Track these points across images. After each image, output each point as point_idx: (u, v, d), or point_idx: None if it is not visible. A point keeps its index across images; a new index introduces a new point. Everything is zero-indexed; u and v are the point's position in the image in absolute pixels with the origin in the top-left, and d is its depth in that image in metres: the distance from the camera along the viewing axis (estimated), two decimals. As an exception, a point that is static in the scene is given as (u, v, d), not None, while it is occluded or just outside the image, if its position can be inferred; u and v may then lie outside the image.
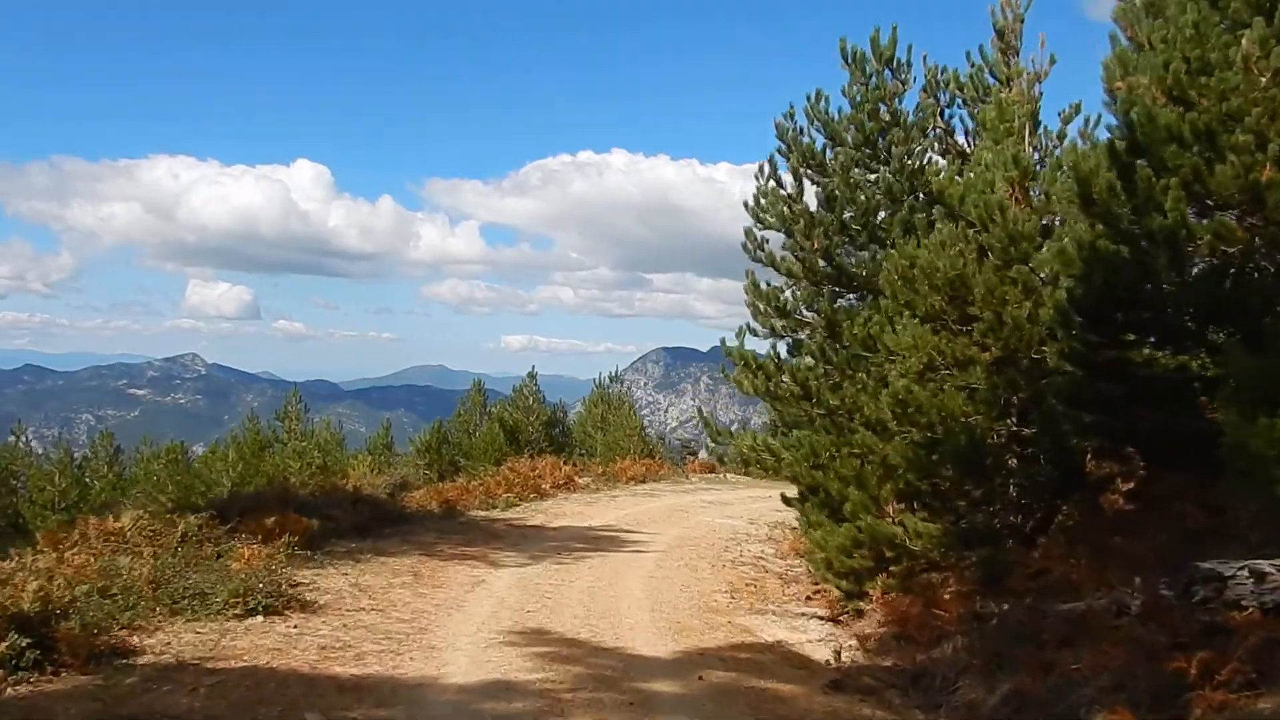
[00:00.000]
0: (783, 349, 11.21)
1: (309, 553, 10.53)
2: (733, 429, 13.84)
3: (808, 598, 10.81)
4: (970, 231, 8.49)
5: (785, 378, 9.90)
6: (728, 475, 27.24)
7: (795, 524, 18.19)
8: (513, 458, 23.05)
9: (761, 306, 10.39)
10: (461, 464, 29.98)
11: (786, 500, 11.36)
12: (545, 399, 31.91)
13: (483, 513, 16.49)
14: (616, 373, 33.26)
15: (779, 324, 10.58)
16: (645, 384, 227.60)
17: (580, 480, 22.19)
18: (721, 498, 21.79)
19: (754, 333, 11.05)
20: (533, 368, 31.73)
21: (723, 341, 11.20)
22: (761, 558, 13.85)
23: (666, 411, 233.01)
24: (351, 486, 15.13)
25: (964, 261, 8.30)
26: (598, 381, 32.67)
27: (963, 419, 8.26)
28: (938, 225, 8.63)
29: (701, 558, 13.27)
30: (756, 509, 20.13)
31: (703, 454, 28.41)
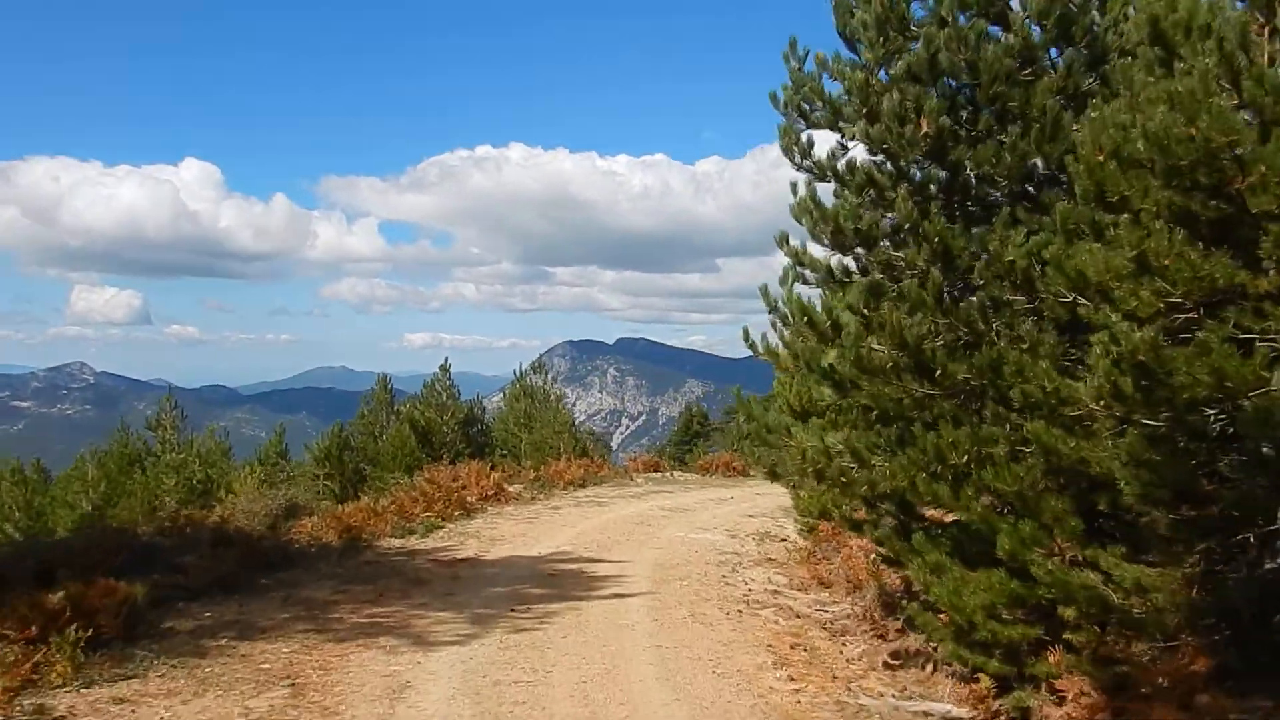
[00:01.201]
0: (830, 305, 7.53)
1: (122, 646, 6.50)
2: (768, 425, 10.20)
3: (922, 676, 7.15)
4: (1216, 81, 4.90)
5: (875, 340, 6.23)
6: (675, 474, 23.62)
7: (791, 534, 14.74)
8: (428, 465, 18.99)
9: (826, 233, 6.69)
10: (367, 473, 25.74)
11: (856, 526, 7.70)
12: (460, 395, 27.83)
13: (397, 542, 12.50)
14: (522, 370, 29.23)
15: (856, 259, 6.91)
16: (553, 378, 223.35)
17: (511, 489, 18.29)
18: (679, 502, 18.14)
19: (803, 279, 7.39)
20: (446, 359, 27.68)
21: (763, 290, 7.51)
22: (778, 592, 10.22)
23: (574, 405, 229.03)
24: (218, 519, 10.98)
25: (1231, 125, 4.70)
26: (518, 373, 28.68)
27: (1252, 393, 4.70)
28: (1174, 71, 5.03)
29: (703, 599, 9.57)
30: (727, 516, 16.53)
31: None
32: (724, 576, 10.90)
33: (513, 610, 8.46)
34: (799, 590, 10.39)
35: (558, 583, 9.95)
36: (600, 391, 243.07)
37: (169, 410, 26.72)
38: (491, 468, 19.61)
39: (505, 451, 28.46)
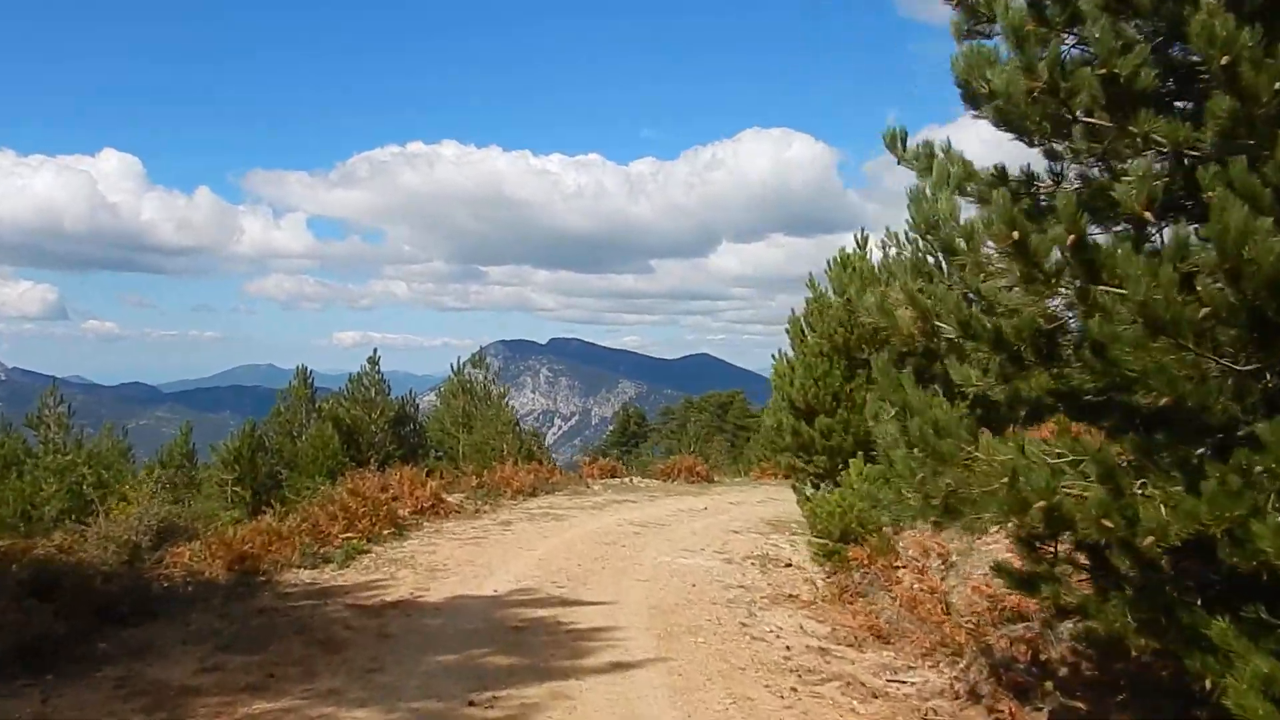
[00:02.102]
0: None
1: None
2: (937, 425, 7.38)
3: None
4: None
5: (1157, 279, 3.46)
6: (635, 479, 20.81)
7: (795, 557, 12.06)
8: (353, 471, 15.86)
9: (1018, 97, 3.90)
10: (284, 478, 22.44)
11: (1031, 586, 4.92)
12: (390, 391, 24.64)
13: (308, 575, 9.49)
14: (460, 364, 25.94)
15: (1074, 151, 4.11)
16: (485, 378, 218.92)
17: (451, 499, 15.30)
18: (649, 515, 15.33)
19: (961, 189, 4.61)
20: (375, 351, 24.42)
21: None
22: (824, 650, 7.45)
23: (507, 405, 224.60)
24: (51, 549, 7.83)
25: None
26: (455, 367, 25.56)
27: None
28: None
29: (734, 666, 6.76)
30: (708, 532, 13.77)
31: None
32: (743, 624, 8.11)
33: (471, 703, 5.53)
34: (849, 645, 7.64)
35: (528, 643, 7.04)
36: (533, 391, 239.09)
37: (53, 405, 23.05)
38: (428, 474, 16.60)
39: (441, 454, 25.34)
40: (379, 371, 24.30)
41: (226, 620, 7.32)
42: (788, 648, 7.40)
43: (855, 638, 7.78)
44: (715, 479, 22.09)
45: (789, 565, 11.45)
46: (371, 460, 23.45)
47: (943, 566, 8.66)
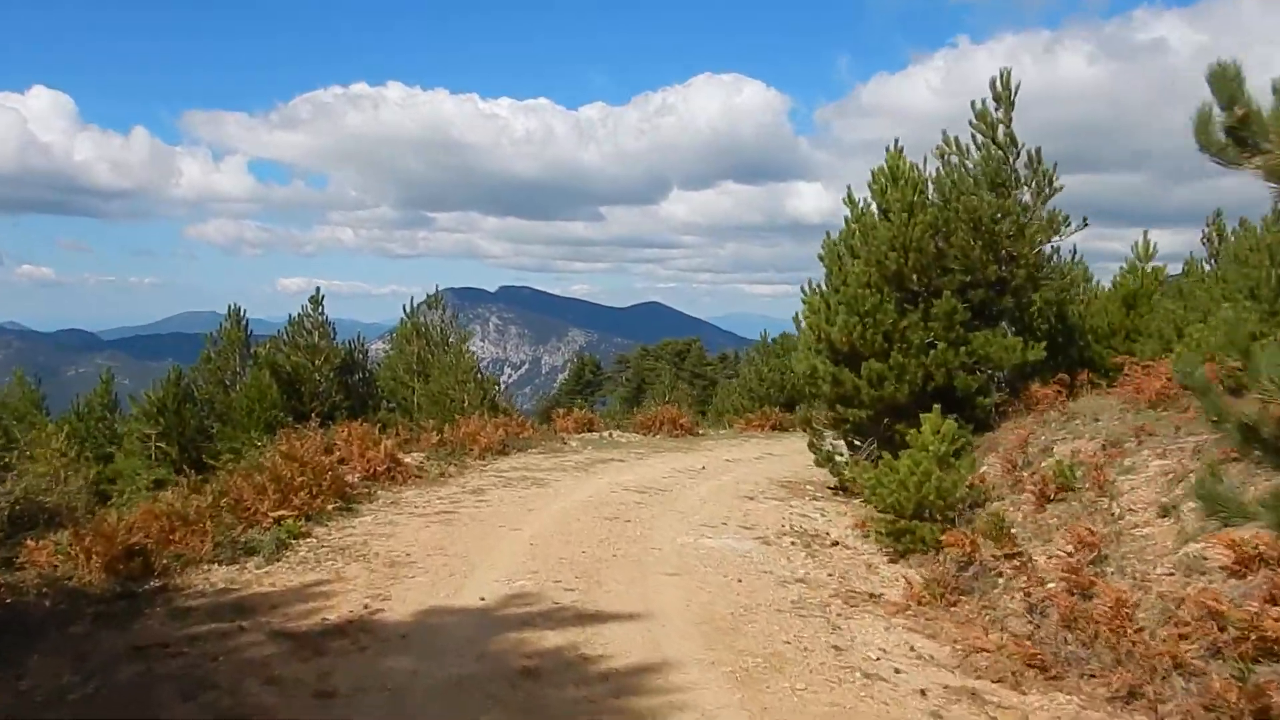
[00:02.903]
0: None
1: None
2: None
3: None
4: None
5: None
6: (613, 433, 18.34)
7: (836, 532, 9.78)
8: (290, 428, 13.13)
9: None
10: (215, 432, 19.63)
11: None
12: (336, 335, 21.81)
13: (223, 574, 6.90)
14: (414, 305, 22.96)
15: None
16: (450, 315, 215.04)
17: (409, 460, 12.73)
18: (642, 476, 12.90)
19: None
20: (318, 290, 21.50)
21: None
22: (972, 691, 5.08)
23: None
24: None
25: None
26: (408, 310, 22.72)
27: None
28: None
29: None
30: (722, 498, 11.40)
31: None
32: (836, 648, 5.71)
33: None
34: (999, 681, 5.28)
35: (549, 703, 4.58)
36: (483, 340, 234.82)
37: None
38: (381, 431, 13.98)
39: (394, 405, 22.63)
40: (323, 313, 21.45)
41: (81, 671, 4.72)
42: (922, 693, 5.01)
43: (1002, 668, 5.41)
44: (699, 432, 19.71)
45: (836, 544, 9.11)
46: (315, 413, 20.79)
47: (1090, 559, 6.34)
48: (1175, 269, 13.45)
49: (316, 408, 20.83)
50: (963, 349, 9.62)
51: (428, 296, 22.54)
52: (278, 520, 8.32)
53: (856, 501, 11.97)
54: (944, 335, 9.60)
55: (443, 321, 22.54)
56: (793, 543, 8.96)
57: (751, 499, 11.64)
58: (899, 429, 9.90)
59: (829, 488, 13.23)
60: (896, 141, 10.46)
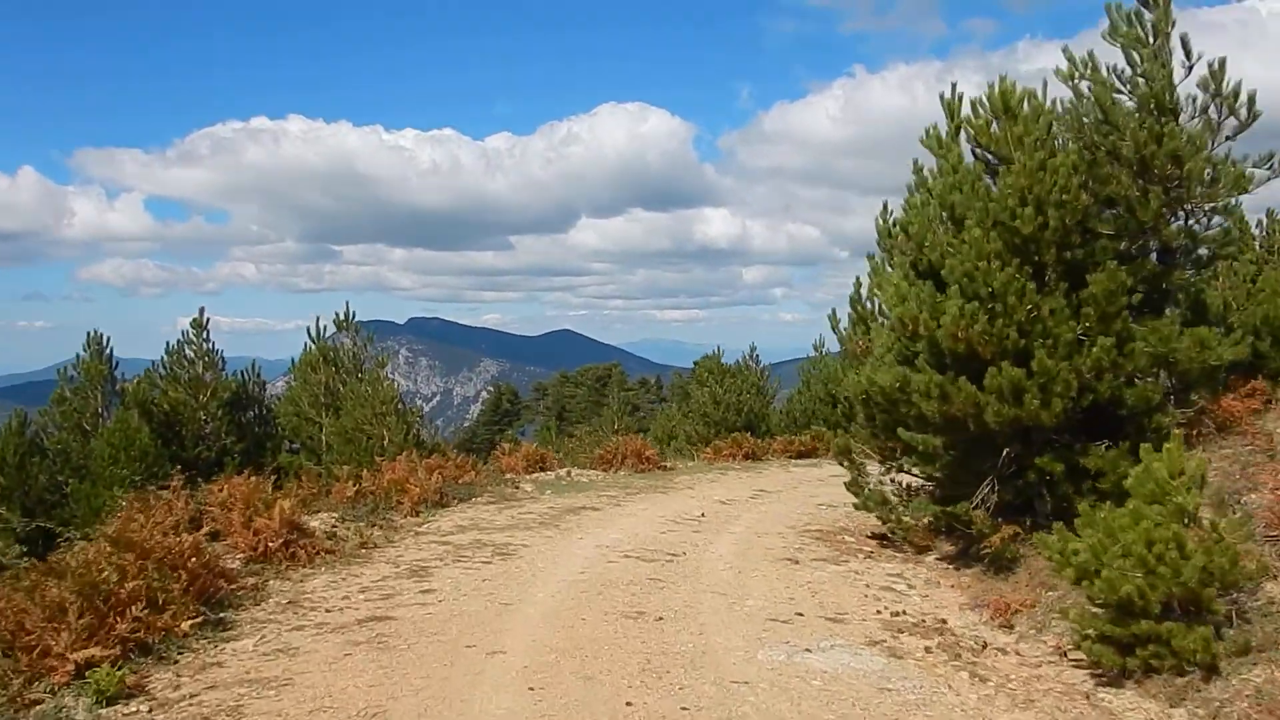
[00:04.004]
0: None
1: None
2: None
3: None
4: None
5: None
6: (570, 471, 14.83)
7: (996, 635, 6.33)
8: (135, 496, 9.20)
9: None
10: (69, 490, 15.47)
11: None
12: (225, 365, 17.81)
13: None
14: (320, 328, 18.92)
15: None
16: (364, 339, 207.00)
17: (316, 525, 9.06)
18: (636, 537, 9.47)
19: None
20: (201, 311, 17.46)
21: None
22: None
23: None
24: None
25: None
26: (314, 333, 18.79)
27: None
28: None
29: None
30: (759, 567, 8.07)
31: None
32: None
33: None
34: None
35: None
36: (392, 373, 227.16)
37: None
38: (280, 481, 10.26)
39: (298, 446, 18.72)
40: (208, 339, 17.46)
41: None
42: None
43: None
44: (666, 465, 16.34)
45: (984, 646, 5.83)
46: (201, 457, 16.79)
47: None
48: None
49: (202, 453, 16.87)
50: (1133, 345, 6.49)
51: (336, 316, 18.71)
52: (82, 668, 4.66)
53: (930, 558, 8.78)
54: (1101, 326, 6.46)
55: (355, 346, 18.73)
56: (927, 649, 5.65)
57: (795, 562, 8.34)
58: (1046, 465, 6.70)
59: (870, 536, 10.04)
60: (1003, 79, 7.28)
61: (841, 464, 10.02)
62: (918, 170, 9.37)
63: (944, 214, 7.21)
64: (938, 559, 8.67)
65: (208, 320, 17.35)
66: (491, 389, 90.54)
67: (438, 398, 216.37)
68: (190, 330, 17.31)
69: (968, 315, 6.53)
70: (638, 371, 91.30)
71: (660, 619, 6.08)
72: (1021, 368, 6.49)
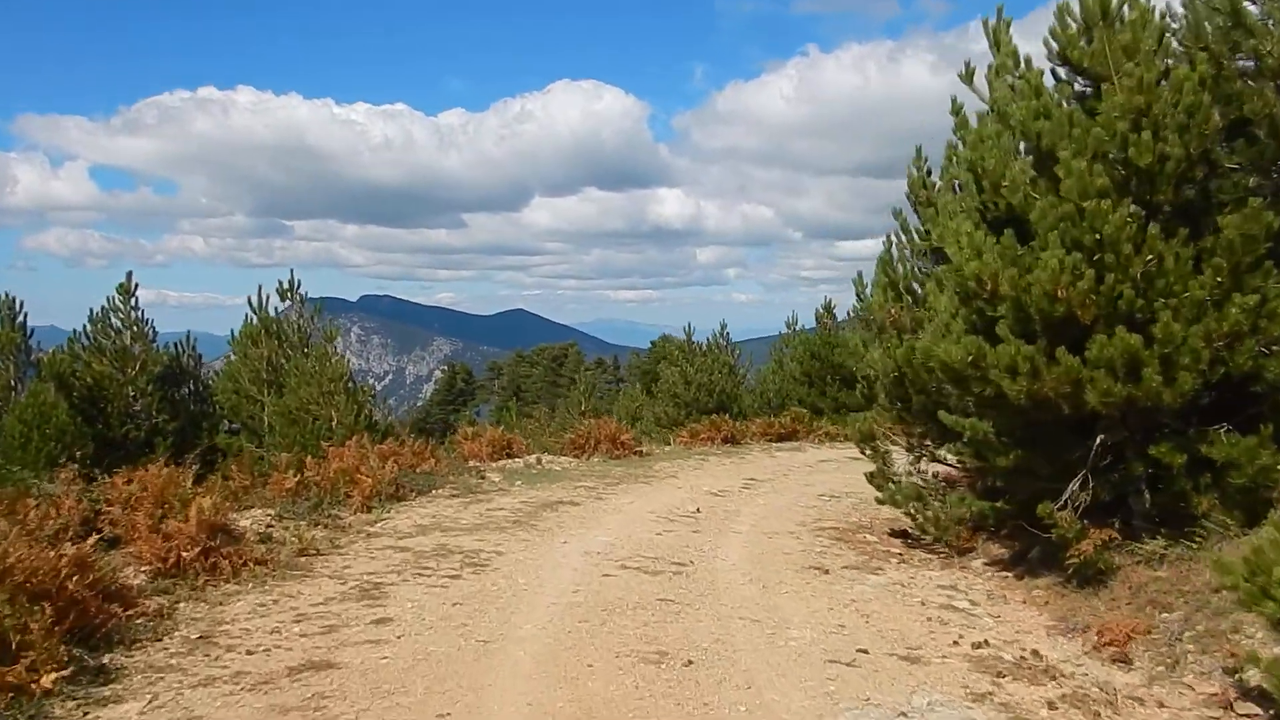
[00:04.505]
0: None
1: None
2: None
3: None
4: None
5: None
6: (541, 458, 13.26)
7: (1102, 674, 4.64)
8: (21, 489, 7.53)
9: None
10: (-29, 474, 13.54)
11: None
12: (157, 336, 15.96)
13: None
14: (263, 298, 17.02)
15: None
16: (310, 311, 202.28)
17: (247, 525, 7.45)
18: (629, 538, 7.99)
19: None
20: (129, 276, 15.56)
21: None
22: None
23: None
24: None
25: None
26: (255, 304, 16.97)
27: None
28: None
29: None
30: (767, 567, 6.62)
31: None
32: None
33: None
34: None
35: None
36: (344, 351, 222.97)
37: None
38: (202, 476, 8.62)
39: (237, 427, 16.94)
40: (137, 307, 15.60)
41: None
42: None
43: None
44: (642, 450, 14.86)
45: (1144, 703, 4.43)
46: (128, 437, 14.97)
47: None
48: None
49: (130, 433, 15.05)
50: (1275, 305, 5.11)
51: (280, 285, 16.90)
52: None
53: (976, 563, 7.41)
54: (1233, 281, 5.07)
55: (301, 318, 16.95)
56: (1050, 704, 4.24)
57: (823, 571, 6.91)
58: (1164, 455, 5.30)
59: (892, 534, 8.67)
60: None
61: (864, 452, 8.61)
62: (957, 110, 7.95)
63: (1022, 147, 5.77)
64: (986, 564, 7.29)
65: (136, 286, 15.47)
66: (445, 368, 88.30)
67: (390, 376, 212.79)
68: (116, 297, 15.43)
69: (1068, 269, 5.09)
70: (592, 351, 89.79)
71: (689, 663, 4.60)
72: (1138, 334, 5.07)
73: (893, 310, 7.52)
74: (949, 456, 7.73)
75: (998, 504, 7.22)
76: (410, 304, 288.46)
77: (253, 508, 8.29)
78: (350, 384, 15.38)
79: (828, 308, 22.65)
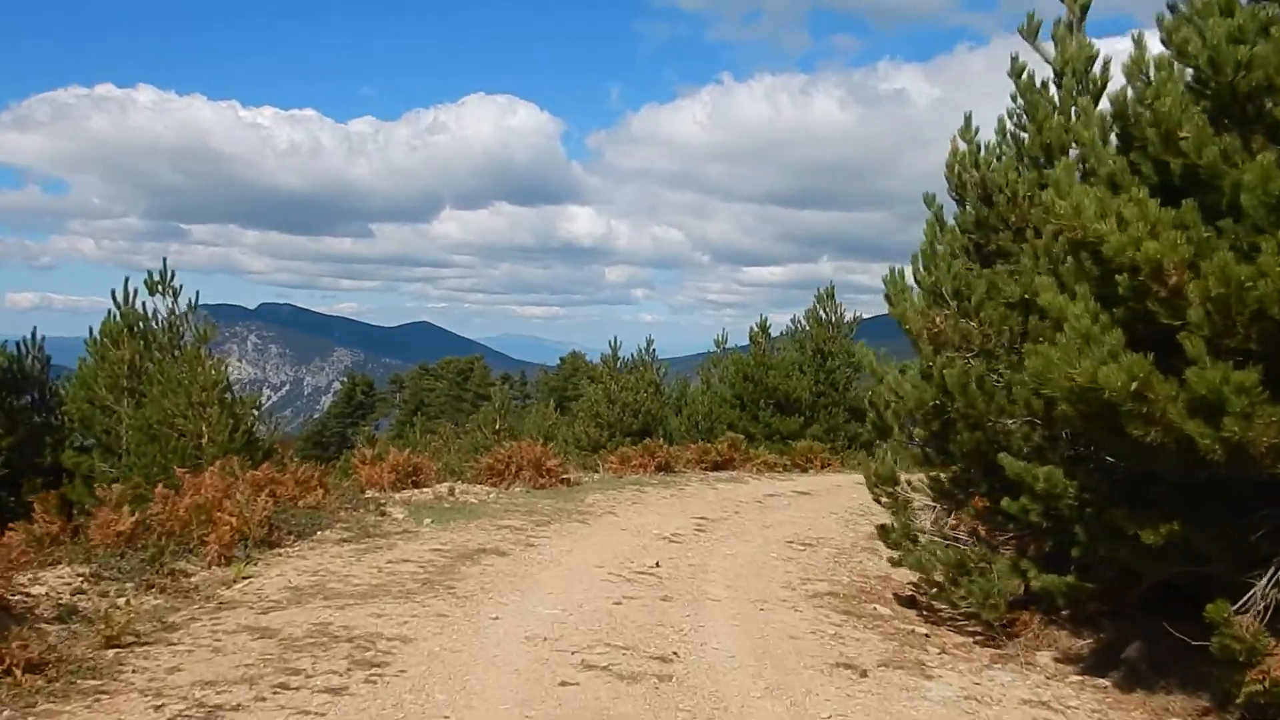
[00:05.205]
0: None
1: None
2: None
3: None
4: None
5: None
6: (455, 487, 11.00)
7: None
8: None
9: None
10: None
11: None
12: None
13: None
14: (129, 292, 14.29)
15: None
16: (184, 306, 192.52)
17: (40, 593, 5.09)
18: (580, 615, 5.87)
19: None
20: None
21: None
22: None
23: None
24: None
25: None
26: (120, 298, 14.26)
27: None
28: None
29: None
30: (786, 671, 4.55)
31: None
32: None
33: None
34: None
35: None
36: (240, 359, 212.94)
37: None
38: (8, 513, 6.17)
39: (89, 443, 14.14)
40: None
41: None
42: None
43: None
44: (570, 478, 12.72)
45: None
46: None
47: None
48: None
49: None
50: None
51: (149, 276, 14.22)
52: None
53: (1043, 656, 5.53)
54: None
55: (172, 313, 14.30)
56: None
57: (862, 673, 4.95)
58: None
59: (903, 602, 6.80)
60: None
61: (879, 500, 6.70)
62: (1019, 70, 6.18)
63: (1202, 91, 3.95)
64: (1057, 660, 5.43)
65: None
66: (345, 379, 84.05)
67: (287, 387, 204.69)
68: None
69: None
70: (499, 367, 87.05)
71: None
72: None
73: (937, 320, 5.63)
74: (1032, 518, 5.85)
75: (1073, 579, 5.38)
76: (312, 313, 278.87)
77: (58, 564, 5.91)
78: (227, 394, 12.85)
79: (763, 326, 20.92)
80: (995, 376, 5.65)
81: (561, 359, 59.46)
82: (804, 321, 22.01)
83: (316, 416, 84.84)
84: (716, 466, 15.81)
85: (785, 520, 10.71)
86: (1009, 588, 5.81)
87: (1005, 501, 5.58)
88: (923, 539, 6.44)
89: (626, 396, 20.05)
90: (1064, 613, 5.80)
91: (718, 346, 22.74)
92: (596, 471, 14.35)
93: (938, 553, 6.03)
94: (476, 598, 5.97)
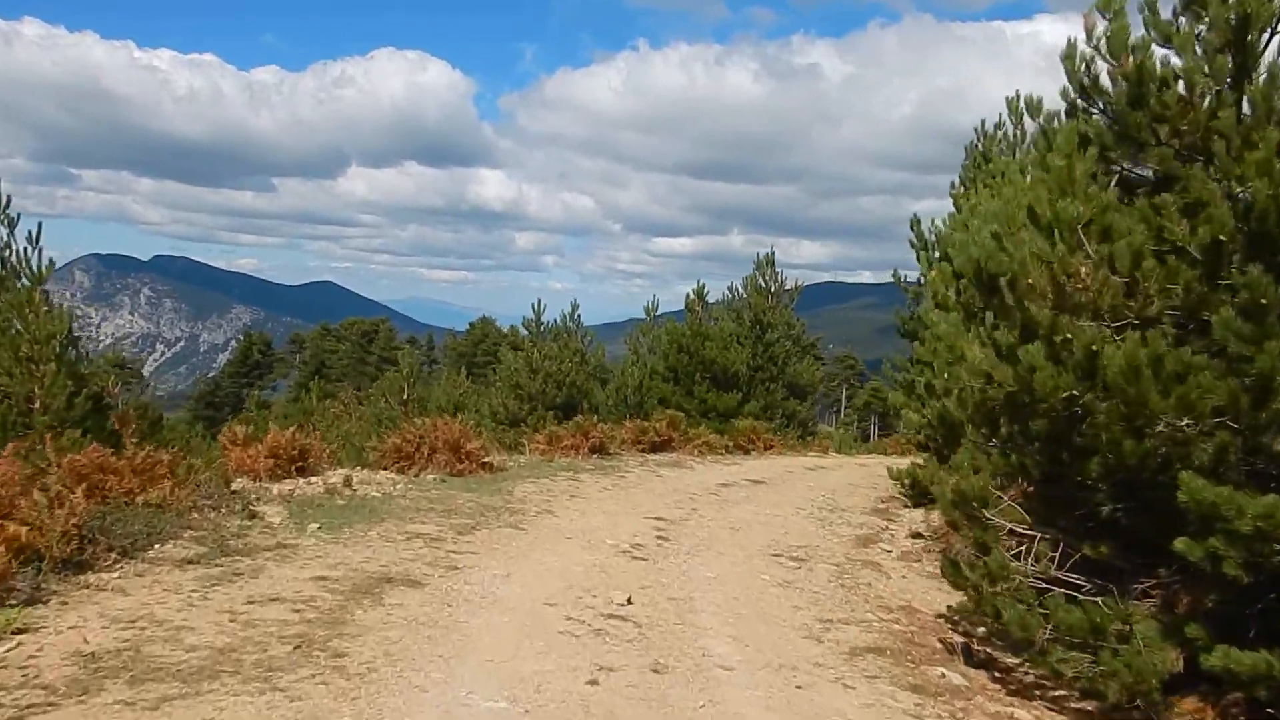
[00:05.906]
0: None
1: None
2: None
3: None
4: None
5: None
6: (351, 476, 8.67)
7: None
8: None
9: None
10: None
11: None
12: None
13: None
14: None
15: None
16: (72, 295, 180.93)
17: None
18: (551, 692, 3.77)
19: None
20: None
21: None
22: None
23: (99, 327, 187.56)
24: None
25: None
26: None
27: None
28: None
29: None
30: None
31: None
32: None
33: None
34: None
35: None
36: (132, 313, 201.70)
37: None
38: None
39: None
40: None
41: None
42: None
43: None
44: (494, 465, 10.52)
45: None
46: None
47: None
48: None
49: None
50: None
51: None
52: None
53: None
54: None
55: (8, 249, 11.46)
56: None
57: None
58: None
59: (949, 647, 4.94)
60: None
61: (955, 527, 4.76)
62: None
63: None
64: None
65: None
66: (243, 337, 79.04)
67: (182, 343, 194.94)
68: None
69: None
70: (405, 330, 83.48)
71: None
72: None
73: (1083, 272, 3.68)
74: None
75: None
76: (209, 268, 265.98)
77: None
78: (70, 349, 10.19)
79: (699, 293, 18.93)
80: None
81: (471, 324, 56.68)
82: (741, 289, 20.13)
83: (211, 374, 79.96)
84: (654, 448, 13.88)
85: (752, 520, 8.83)
86: (1165, 663, 3.95)
87: (1182, 543, 3.69)
88: (1007, 581, 4.53)
89: (550, 366, 17.87)
90: (1244, 698, 3.97)
91: (648, 314, 20.72)
92: (522, 454, 12.19)
93: (1059, 611, 4.12)
94: (377, 679, 3.81)
